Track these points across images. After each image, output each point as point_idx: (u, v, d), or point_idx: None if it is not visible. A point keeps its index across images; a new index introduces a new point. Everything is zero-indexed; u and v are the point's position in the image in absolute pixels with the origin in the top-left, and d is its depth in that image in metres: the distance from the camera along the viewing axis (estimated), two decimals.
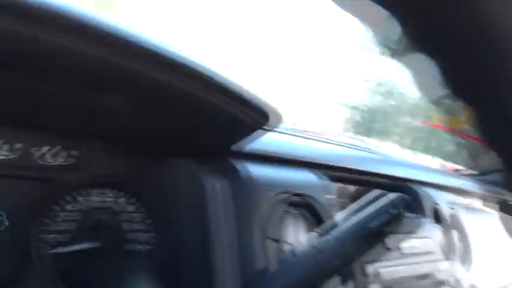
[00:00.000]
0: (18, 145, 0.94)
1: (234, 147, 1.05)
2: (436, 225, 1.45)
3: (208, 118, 0.88)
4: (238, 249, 0.97)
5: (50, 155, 0.98)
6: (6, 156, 0.92)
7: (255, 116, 0.86)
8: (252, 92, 0.81)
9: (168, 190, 1.10)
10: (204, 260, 0.95)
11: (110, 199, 1.06)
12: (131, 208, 1.09)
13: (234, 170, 1.04)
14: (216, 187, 1.02)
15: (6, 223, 0.91)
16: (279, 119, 0.93)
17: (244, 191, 1.01)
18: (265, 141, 1.18)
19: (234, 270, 0.95)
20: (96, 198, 1.04)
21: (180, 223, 1.08)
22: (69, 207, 0.99)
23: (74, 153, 1.02)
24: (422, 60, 0.50)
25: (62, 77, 0.73)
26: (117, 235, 1.03)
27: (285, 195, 1.06)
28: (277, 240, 1.00)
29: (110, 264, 1.02)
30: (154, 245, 1.10)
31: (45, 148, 0.97)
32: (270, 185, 1.06)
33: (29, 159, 0.95)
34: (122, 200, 1.07)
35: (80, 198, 1.01)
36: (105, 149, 1.05)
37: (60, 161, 1.00)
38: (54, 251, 0.95)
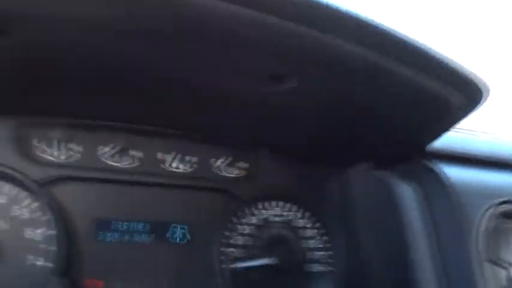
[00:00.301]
0: (195, 158, 0.94)
1: (428, 146, 0.87)
2: None
3: (410, 101, 0.71)
4: (446, 274, 0.77)
5: (224, 166, 0.96)
6: (185, 168, 0.93)
7: (464, 96, 0.66)
8: (461, 64, 0.63)
9: (348, 201, 0.96)
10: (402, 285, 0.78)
11: (284, 212, 0.97)
12: (306, 223, 0.98)
13: (431, 174, 0.85)
14: (410, 196, 0.84)
15: (188, 237, 0.89)
16: (486, 96, 0.71)
17: (448, 200, 0.81)
18: (454, 139, 0.95)
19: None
20: (271, 211, 0.96)
21: (366, 240, 0.92)
22: (246, 220, 0.94)
23: (244, 164, 0.97)
24: None
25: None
26: (294, 252, 0.94)
27: (505, 206, 0.82)
28: (502, 265, 0.77)
29: (288, 283, 0.93)
30: (334, 265, 0.98)
31: (221, 160, 0.95)
32: (480, 192, 0.83)
33: (207, 170, 0.93)
34: (296, 213, 0.98)
35: (256, 211, 0.95)
36: (275, 158, 0.98)
37: (234, 172, 0.96)
38: (234, 265, 0.90)
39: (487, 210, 0.81)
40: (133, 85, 0.73)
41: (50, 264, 0.76)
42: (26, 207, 0.79)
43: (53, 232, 0.77)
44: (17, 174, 0.77)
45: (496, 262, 0.80)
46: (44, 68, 0.66)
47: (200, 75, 0.68)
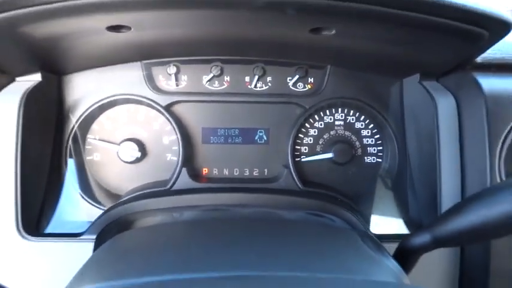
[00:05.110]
0: (274, 78, 1.08)
1: (470, 60, 0.88)
2: None
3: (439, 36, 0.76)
4: (463, 169, 0.85)
5: (296, 83, 1.09)
6: (266, 87, 1.09)
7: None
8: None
9: (400, 107, 1.05)
10: (431, 166, 0.90)
11: (342, 117, 1.10)
12: (362, 125, 1.10)
13: (469, 85, 0.88)
14: (449, 103, 0.90)
15: (269, 139, 1.09)
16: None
17: (480, 109, 0.85)
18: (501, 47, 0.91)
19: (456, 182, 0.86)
20: (332, 117, 1.10)
21: (410, 139, 1.02)
22: (312, 124, 1.10)
23: (312, 80, 1.09)
24: None
25: None
26: (351, 148, 1.08)
27: None
28: None
29: (345, 172, 1.10)
30: (383, 158, 1.10)
31: (294, 77, 1.08)
32: None
33: (283, 88, 1.08)
34: (353, 117, 1.10)
35: (320, 118, 1.09)
36: (338, 75, 1.07)
37: (303, 87, 1.10)
38: (302, 159, 1.10)
39: None
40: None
41: (175, 158, 1.06)
42: (157, 122, 1.06)
43: (175, 137, 1.04)
44: (149, 101, 1.03)
45: None
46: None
47: (266, 32, 0.83)
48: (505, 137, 0.82)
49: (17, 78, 0.91)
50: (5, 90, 0.88)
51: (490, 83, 0.86)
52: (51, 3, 0.62)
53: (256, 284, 0.47)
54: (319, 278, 0.50)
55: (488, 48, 0.82)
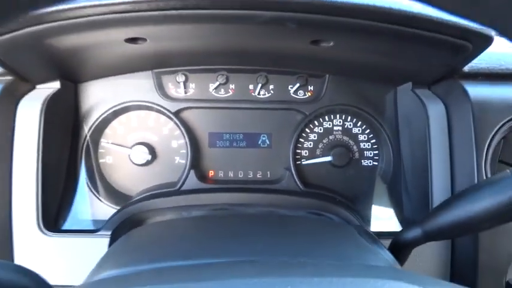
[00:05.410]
0: (276, 86, 1.15)
1: (458, 70, 0.94)
2: None
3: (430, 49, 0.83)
4: (452, 175, 0.91)
5: (297, 91, 1.16)
6: (269, 94, 1.15)
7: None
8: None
9: (395, 113, 1.11)
10: (423, 168, 0.96)
11: (340, 123, 1.16)
12: (359, 130, 1.16)
13: (457, 92, 0.94)
14: (438, 110, 0.96)
15: (271, 143, 1.16)
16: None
17: (467, 114, 0.91)
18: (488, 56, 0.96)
19: (447, 182, 0.92)
20: (331, 122, 1.16)
21: (404, 144, 1.08)
22: (312, 130, 1.16)
23: (312, 88, 1.16)
24: None
25: None
26: (349, 151, 1.14)
27: None
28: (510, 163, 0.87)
29: (343, 175, 1.15)
30: (379, 161, 1.16)
31: (295, 85, 1.14)
32: (499, 108, 0.90)
33: (284, 95, 1.14)
34: (350, 123, 1.16)
35: (320, 123, 1.15)
36: (337, 83, 1.14)
37: (304, 95, 1.16)
38: (302, 162, 1.15)
39: (504, 124, 0.89)
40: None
41: (183, 161, 1.11)
42: (166, 127, 1.12)
43: (184, 141, 1.10)
44: (159, 107, 1.09)
45: (504, 161, 0.91)
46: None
47: (269, 43, 0.90)
48: (491, 141, 0.88)
49: (37, 86, 0.98)
50: (27, 97, 0.94)
51: (476, 91, 0.93)
52: (77, 18, 0.69)
53: (261, 267, 0.53)
54: (320, 262, 0.56)
55: (473, 58, 0.88)
